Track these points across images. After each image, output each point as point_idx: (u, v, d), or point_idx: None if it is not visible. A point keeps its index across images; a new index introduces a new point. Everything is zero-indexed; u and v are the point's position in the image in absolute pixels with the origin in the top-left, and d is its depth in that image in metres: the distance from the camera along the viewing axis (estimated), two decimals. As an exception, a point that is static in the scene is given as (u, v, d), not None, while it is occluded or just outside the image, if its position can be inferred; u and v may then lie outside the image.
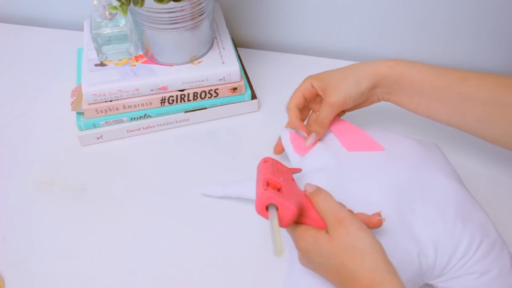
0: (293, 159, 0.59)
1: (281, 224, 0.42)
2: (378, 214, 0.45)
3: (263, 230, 0.58)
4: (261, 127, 0.70)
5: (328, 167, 0.54)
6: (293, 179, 0.49)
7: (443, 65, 0.81)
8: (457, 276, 0.49)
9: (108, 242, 0.58)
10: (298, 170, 0.55)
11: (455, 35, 0.77)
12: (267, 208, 0.42)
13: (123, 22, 0.65)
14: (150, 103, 0.67)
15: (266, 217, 0.42)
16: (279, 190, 0.44)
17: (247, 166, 0.64)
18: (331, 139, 0.59)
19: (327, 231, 0.42)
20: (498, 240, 0.51)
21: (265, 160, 0.50)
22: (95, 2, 0.63)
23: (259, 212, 0.42)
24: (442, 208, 0.50)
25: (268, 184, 0.45)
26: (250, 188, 0.58)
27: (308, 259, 0.44)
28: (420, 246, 0.48)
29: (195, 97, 0.68)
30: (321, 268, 0.44)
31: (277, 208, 0.41)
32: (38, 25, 0.87)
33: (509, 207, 0.59)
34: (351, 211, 0.45)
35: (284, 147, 0.61)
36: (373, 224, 0.45)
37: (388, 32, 0.78)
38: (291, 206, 0.41)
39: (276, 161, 0.51)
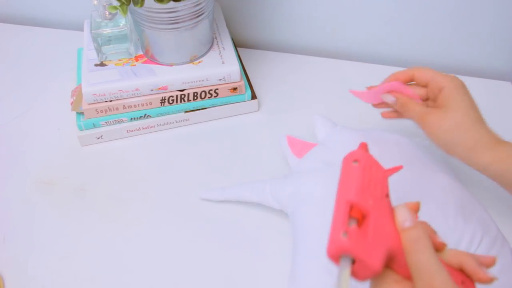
0: (291, 161, 0.60)
1: (357, 277, 0.32)
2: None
3: (263, 231, 0.58)
4: (261, 127, 0.70)
5: (326, 167, 0.54)
6: (387, 195, 0.35)
7: (442, 65, 0.81)
8: None
9: (108, 242, 0.58)
10: (398, 169, 0.40)
11: (456, 35, 0.77)
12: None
13: (123, 22, 0.65)
14: (150, 103, 0.67)
15: (337, 263, 0.32)
16: (363, 218, 0.33)
17: (247, 166, 0.65)
18: (329, 141, 0.59)
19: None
20: (499, 236, 0.52)
21: (357, 159, 0.35)
22: (95, 2, 0.63)
23: (330, 258, 0.32)
24: (443, 205, 0.51)
25: (351, 209, 0.32)
26: (249, 191, 0.58)
27: None
28: None
29: (195, 97, 0.68)
30: None
31: (353, 261, 0.31)
32: (38, 25, 0.87)
33: (509, 207, 0.59)
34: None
35: (283, 151, 0.62)
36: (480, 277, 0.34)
37: (388, 32, 0.78)
38: (375, 263, 0.31)
39: (371, 159, 0.36)
